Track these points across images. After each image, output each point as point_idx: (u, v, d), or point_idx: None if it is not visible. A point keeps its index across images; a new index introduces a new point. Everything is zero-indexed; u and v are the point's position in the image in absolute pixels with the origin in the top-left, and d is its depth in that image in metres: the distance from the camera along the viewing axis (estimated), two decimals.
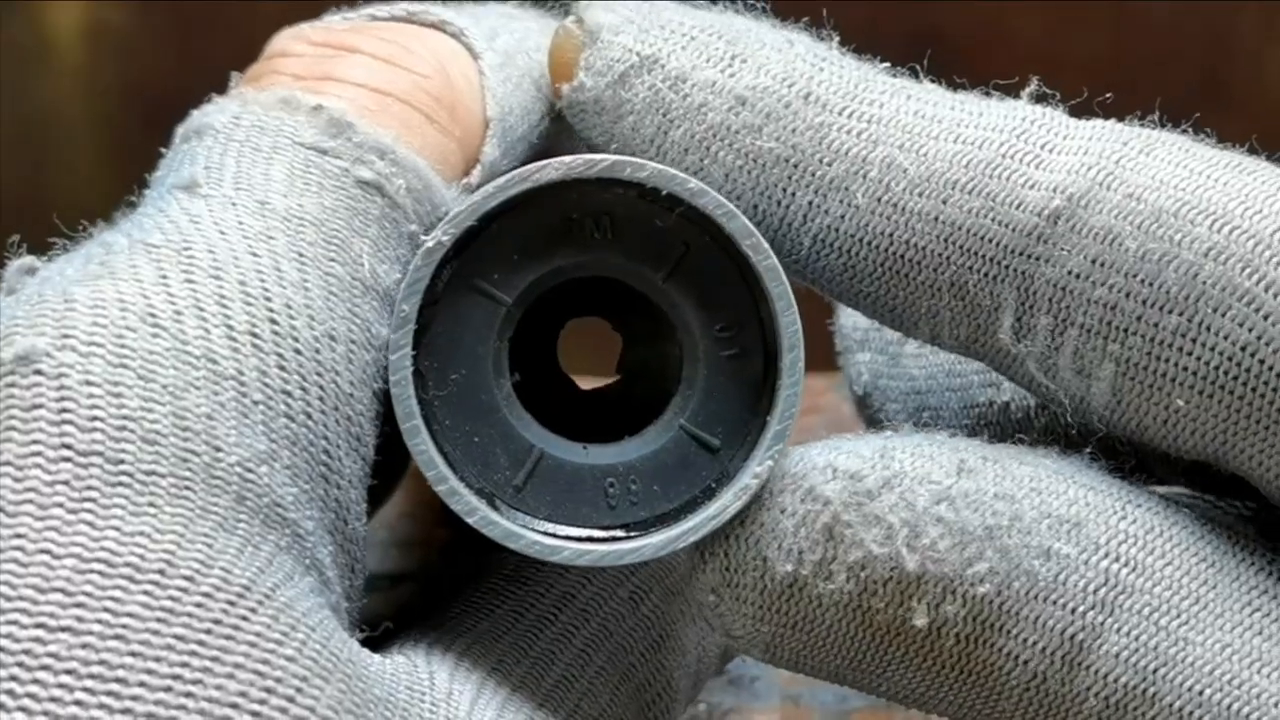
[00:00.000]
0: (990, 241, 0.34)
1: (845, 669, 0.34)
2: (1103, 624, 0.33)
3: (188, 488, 0.30)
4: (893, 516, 0.33)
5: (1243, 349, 0.33)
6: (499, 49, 0.38)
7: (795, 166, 0.35)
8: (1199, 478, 0.36)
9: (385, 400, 0.34)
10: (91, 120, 0.99)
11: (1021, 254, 0.34)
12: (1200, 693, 0.33)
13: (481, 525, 0.34)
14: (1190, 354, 0.33)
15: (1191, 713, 0.33)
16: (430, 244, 0.34)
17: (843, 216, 0.35)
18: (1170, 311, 0.33)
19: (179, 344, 0.31)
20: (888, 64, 0.36)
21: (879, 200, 0.34)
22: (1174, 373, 0.33)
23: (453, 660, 0.35)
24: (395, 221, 0.35)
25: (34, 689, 0.28)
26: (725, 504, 0.34)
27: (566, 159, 0.34)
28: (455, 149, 0.37)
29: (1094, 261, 0.33)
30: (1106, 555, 0.33)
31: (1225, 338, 0.33)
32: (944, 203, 0.34)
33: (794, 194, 0.35)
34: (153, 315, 0.31)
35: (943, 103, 0.35)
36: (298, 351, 0.32)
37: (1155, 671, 0.33)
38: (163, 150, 0.35)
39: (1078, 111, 0.36)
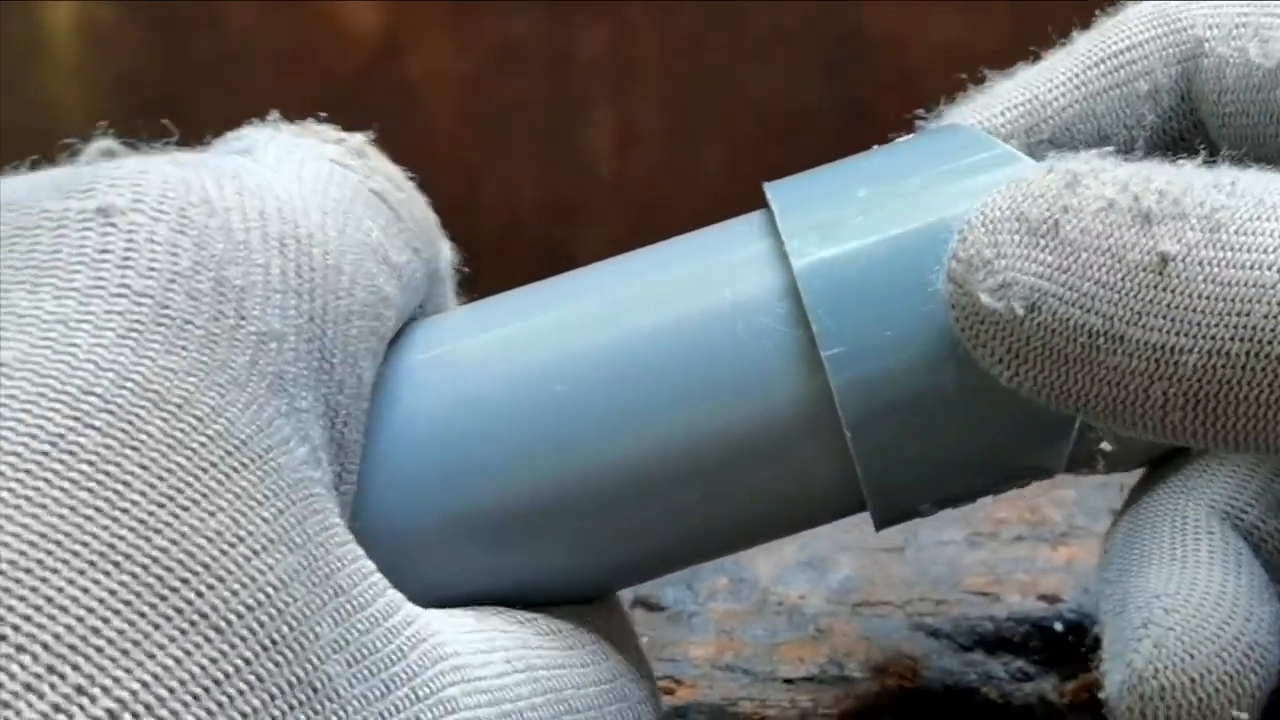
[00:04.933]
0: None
1: (1104, 314, 0.34)
2: None
3: (214, 340, 0.33)
4: (1123, 173, 0.36)
5: None
6: None
7: None
8: None
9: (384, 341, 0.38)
10: (85, 112, 1.01)
11: None
12: None
13: None
14: None
15: None
16: None
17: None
18: None
19: (226, 228, 0.35)
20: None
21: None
22: None
23: (441, 614, 0.36)
24: (400, 230, 0.39)
25: (56, 470, 0.31)
26: None
27: None
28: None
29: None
30: None
31: None
32: None
33: None
34: (208, 201, 0.35)
35: None
36: (312, 269, 0.36)
37: None
38: (153, 140, 0.39)
39: None
